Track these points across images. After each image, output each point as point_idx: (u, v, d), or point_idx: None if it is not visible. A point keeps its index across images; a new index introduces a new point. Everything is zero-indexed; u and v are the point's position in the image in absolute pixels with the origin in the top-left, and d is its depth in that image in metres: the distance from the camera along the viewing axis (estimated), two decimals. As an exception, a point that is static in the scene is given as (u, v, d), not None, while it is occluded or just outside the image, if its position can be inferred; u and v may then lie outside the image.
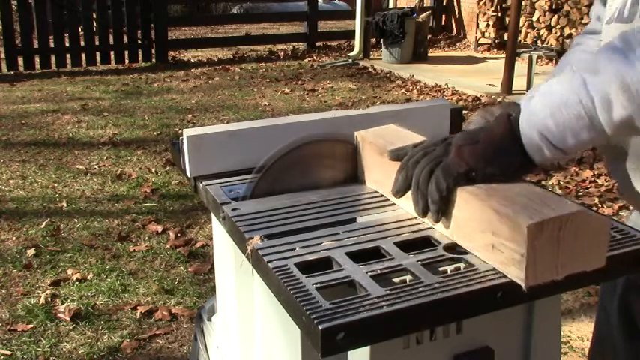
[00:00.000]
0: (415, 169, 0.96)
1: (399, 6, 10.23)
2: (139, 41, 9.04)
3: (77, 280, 3.10)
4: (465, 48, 10.39)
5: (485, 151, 0.91)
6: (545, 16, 8.87)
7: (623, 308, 1.28)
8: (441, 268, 0.90)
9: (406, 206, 1.05)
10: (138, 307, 2.87)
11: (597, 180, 4.31)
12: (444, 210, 0.93)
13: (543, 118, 0.87)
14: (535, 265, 0.82)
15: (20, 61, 8.37)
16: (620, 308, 1.28)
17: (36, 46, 8.46)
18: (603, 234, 0.87)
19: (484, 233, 0.88)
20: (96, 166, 4.76)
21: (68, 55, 8.60)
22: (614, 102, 0.81)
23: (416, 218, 1.03)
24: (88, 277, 3.14)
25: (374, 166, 1.15)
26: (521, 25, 8.39)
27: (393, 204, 1.10)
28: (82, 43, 8.67)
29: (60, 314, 2.82)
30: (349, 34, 10.10)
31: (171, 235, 3.59)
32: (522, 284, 0.82)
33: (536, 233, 0.80)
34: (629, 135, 0.90)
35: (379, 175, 1.13)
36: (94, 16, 8.76)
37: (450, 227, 0.96)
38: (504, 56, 7.18)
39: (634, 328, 1.26)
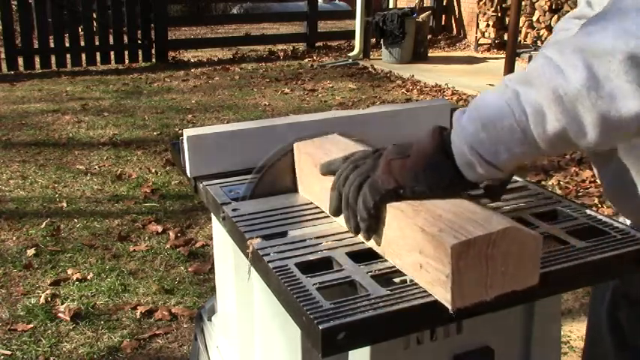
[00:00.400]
0: (344, 185, 0.92)
1: (399, 6, 10.22)
2: (139, 41, 9.04)
3: (77, 280, 3.10)
4: (465, 48, 10.39)
5: (415, 167, 0.87)
6: (545, 16, 8.87)
7: (611, 319, 1.26)
8: (441, 268, 0.90)
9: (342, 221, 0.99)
10: (138, 307, 2.87)
11: (597, 180, 4.30)
12: (374, 228, 0.90)
13: (475, 131, 0.82)
14: (461, 286, 0.78)
15: (20, 61, 8.36)
16: (608, 318, 1.26)
17: (36, 46, 8.46)
18: (535, 250, 0.82)
19: (412, 252, 0.85)
20: (96, 166, 4.76)
21: (68, 55, 8.60)
22: (548, 115, 0.77)
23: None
24: (88, 277, 3.14)
25: (310, 177, 1.11)
26: (521, 25, 8.39)
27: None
28: (82, 43, 8.66)
29: (60, 314, 2.81)
30: (349, 34, 10.10)
31: (171, 235, 3.59)
32: (449, 306, 0.79)
33: (461, 253, 0.76)
34: (566, 150, 0.86)
35: (315, 186, 1.09)
36: (94, 16, 8.76)
37: (381, 244, 0.92)
38: (504, 56, 7.18)
39: (622, 339, 1.23)
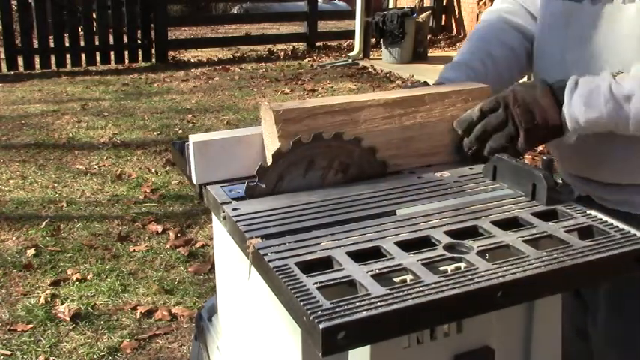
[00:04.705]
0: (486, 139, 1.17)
1: (399, 6, 10.23)
2: (139, 41, 9.04)
3: (77, 280, 3.11)
4: (464, 48, 10.39)
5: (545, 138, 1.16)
6: (545, 16, 8.87)
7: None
8: (441, 268, 0.90)
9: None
10: (138, 307, 2.87)
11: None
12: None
13: (584, 120, 1.10)
14: None
15: (20, 61, 8.36)
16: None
17: (36, 46, 8.46)
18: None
19: None
20: (96, 166, 4.76)
21: (68, 55, 8.60)
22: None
23: (416, 218, 1.03)
24: (88, 277, 3.14)
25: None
26: (521, 25, 8.37)
27: (394, 204, 1.10)
28: (82, 43, 8.67)
29: (60, 314, 2.82)
30: (349, 34, 10.11)
31: (171, 235, 3.59)
32: None
33: None
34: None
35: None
36: (94, 16, 8.76)
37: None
38: (504, 56, 7.17)
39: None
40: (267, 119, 1.17)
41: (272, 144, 1.16)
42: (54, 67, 8.51)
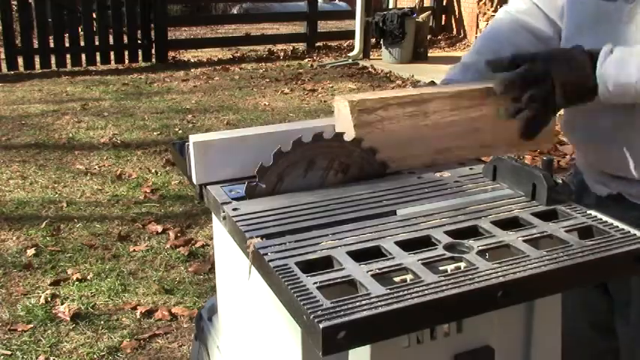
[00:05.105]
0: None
1: (399, 6, 10.22)
2: (139, 41, 9.04)
3: (77, 280, 3.11)
4: (465, 48, 10.39)
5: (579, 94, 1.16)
6: (545, 16, 8.87)
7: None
8: (441, 268, 0.90)
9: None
10: (138, 307, 2.87)
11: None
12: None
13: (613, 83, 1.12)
14: None
15: (20, 61, 8.36)
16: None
17: (36, 46, 8.46)
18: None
19: None
20: (96, 166, 4.76)
21: (68, 55, 8.59)
22: None
23: (416, 218, 1.03)
24: (88, 277, 3.14)
25: None
26: (521, 25, 8.37)
27: (394, 204, 1.10)
28: (82, 43, 8.66)
29: (60, 314, 2.82)
30: (349, 34, 10.10)
31: (171, 235, 3.59)
32: None
33: None
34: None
35: None
36: (94, 16, 8.76)
37: None
38: (504, 56, 7.17)
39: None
40: (341, 110, 1.21)
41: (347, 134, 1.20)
42: (54, 67, 8.50)
